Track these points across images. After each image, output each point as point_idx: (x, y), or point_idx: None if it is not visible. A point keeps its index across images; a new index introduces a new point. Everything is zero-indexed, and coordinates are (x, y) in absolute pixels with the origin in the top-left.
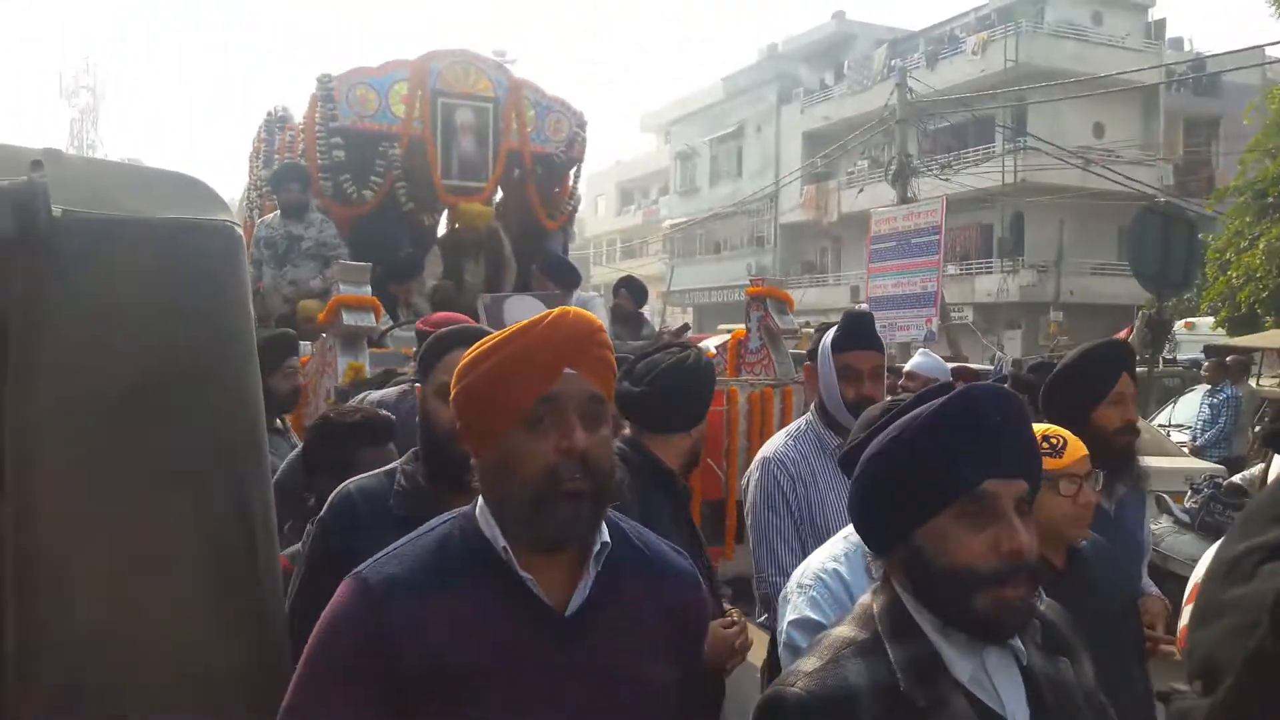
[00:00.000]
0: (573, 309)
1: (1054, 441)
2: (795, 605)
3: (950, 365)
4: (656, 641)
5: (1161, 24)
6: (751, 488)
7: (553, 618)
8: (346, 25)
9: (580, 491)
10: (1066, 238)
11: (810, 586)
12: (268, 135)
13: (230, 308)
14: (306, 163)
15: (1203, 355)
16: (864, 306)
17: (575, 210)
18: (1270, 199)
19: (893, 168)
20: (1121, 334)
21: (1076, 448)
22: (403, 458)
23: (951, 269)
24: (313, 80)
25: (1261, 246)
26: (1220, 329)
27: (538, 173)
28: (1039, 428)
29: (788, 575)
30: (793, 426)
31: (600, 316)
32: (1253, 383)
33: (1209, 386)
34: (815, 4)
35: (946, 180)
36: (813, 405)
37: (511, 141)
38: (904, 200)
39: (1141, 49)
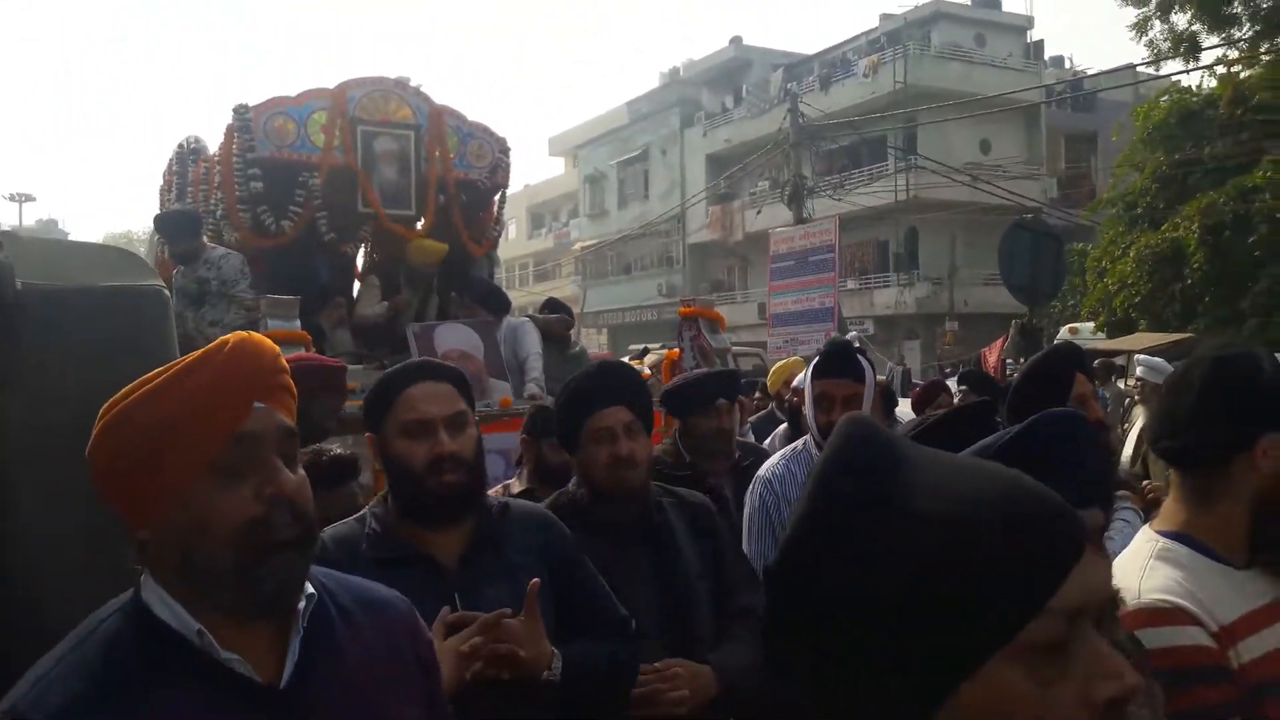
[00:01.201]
0: (249, 334)
1: None
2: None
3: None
4: (390, 685)
5: (1040, 44)
6: (746, 506)
7: (267, 696)
8: (256, 56)
9: (293, 541)
10: (958, 251)
11: None
12: (179, 167)
13: (158, 351)
14: (223, 194)
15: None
16: (854, 335)
17: (500, 236)
18: (1139, 210)
19: (788, 189)
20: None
21: None
22: (371, 502)
23: (851, 284)
24: (226, 111)
25: (1132, 255)
26: (1100, 333)
27: (462, 199)
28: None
29: None
30: (791, 446)
31: (533, 341)
32: (1120, 383)
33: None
34: (714, 30)
35: (839, 200)
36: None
37: (435, 168)
38: (800, 220)
39: (1022, 69)
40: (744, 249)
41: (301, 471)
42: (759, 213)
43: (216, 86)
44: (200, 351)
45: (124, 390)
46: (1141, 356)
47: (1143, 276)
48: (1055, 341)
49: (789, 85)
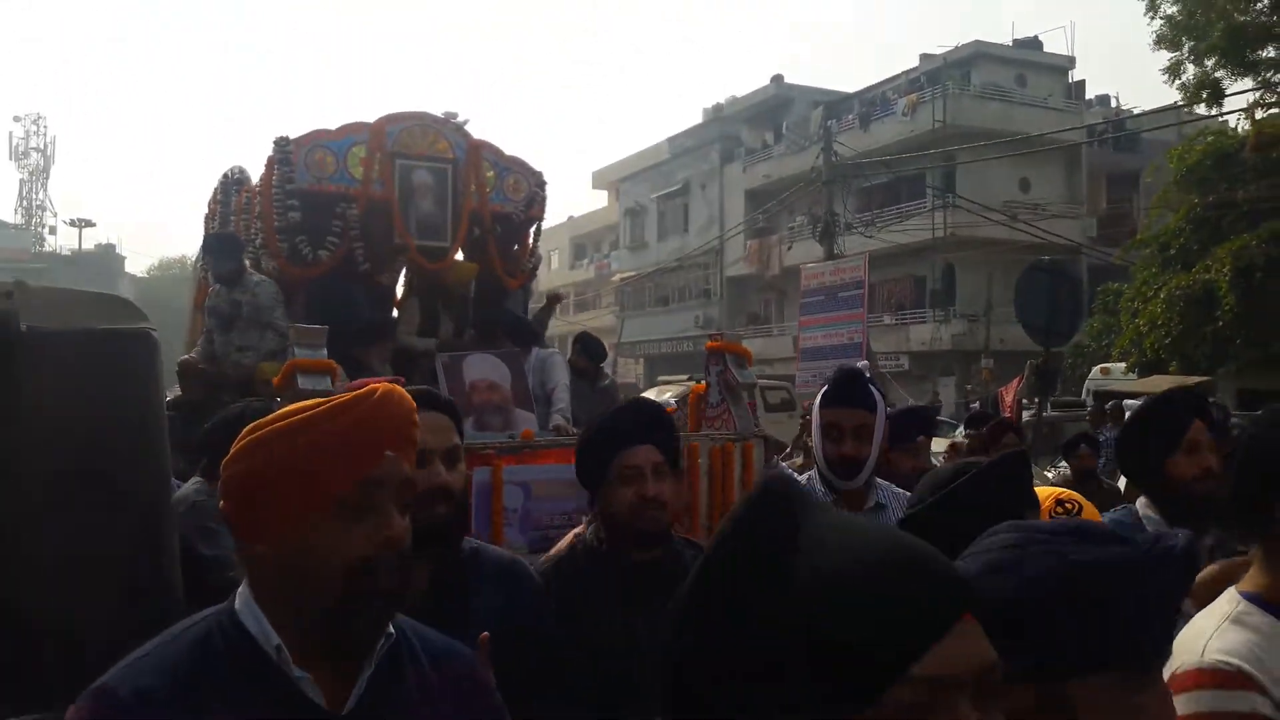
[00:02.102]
0: (394, 386)
1: (1069, 507)
2: None
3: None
4: None
5: (1081, 84)
6: None
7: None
8: (303, 88)
9: (391, 590)
10: (995, 289)
11: None
12: (223, 196)
13: (146, 386)
14: (262, 223)
15: (1090, 400)
16: (864, 364)
17: (535, 269)
18: (1173, 251)
19: (820, 226)
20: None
21: (1091, 513)
22: None
23: (887, 319)
24: (269, 143)
25: (1163, 296)
26: (1131, 373)
27: (497, 231)
28: (1051, 491)
29: None
30: (801, 478)
31: (561, 372)
32: None
33: (1091, 429)
34: (756, 67)
35: (871, 237)
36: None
37: (471, 201)
38: (830, 256)
39: (1064, 108)
40: (780, 283)
41: (408, 521)
42: (790, 248)
43: (264, 117)
44: (350, 395)
45: (272, 415)
46: (1130, 402)
47: (1174, 318)
48: (1086, 381)
49: (828, 123)
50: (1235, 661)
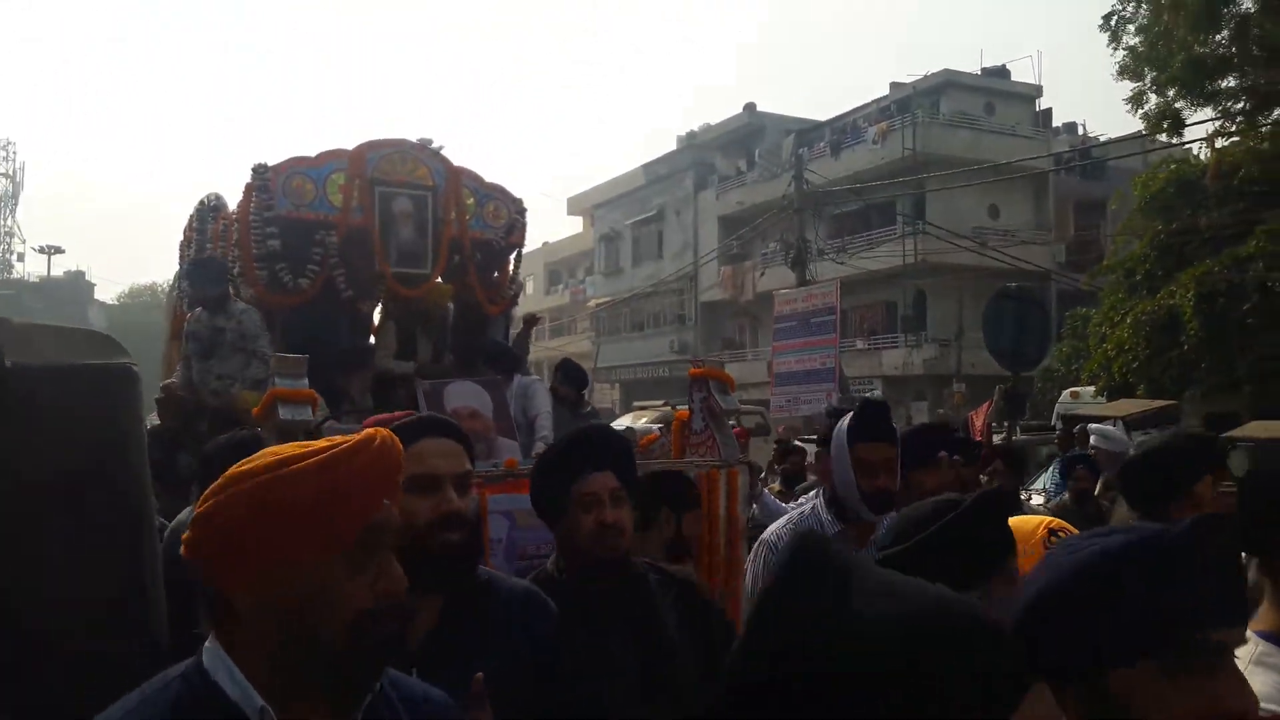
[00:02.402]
0: (390, 432)
1: (1061, 536)
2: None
3: None
4: None
5: (1049, 113)
6: (748, 572)
7: None
8: (276, 115)
9: (391, 638)
10: (966, 314)
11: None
12: (199, 224)
13: (128, 421)
14: (240, 251)
15: (1059, 424)
16: (876, 394)
17: (516, 296)
18: (1138, 277)
19: (791, 253)
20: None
21: None
22: None
23: (859, 344)
24: (247, 169)
25: (1129, 321)
26: (1100, 397)
27: (477, 258)
28: (1042, 520)
29: None
30: (798, 511)
31: (543, 400)
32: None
33: (1060, 453)
34: (729, 96)
35: (843, 264)
36: (822, 491)
37: (451, 228)
38: (803, 282)
39: (1032, 136)
40: (754, 308)
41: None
42: (763, 274)
43: (239, 143)
44: (349, 442)
45: (258, 464)
46: (1094, 426)
47: (1140, 342)
48: (1056, 405)
49: (800, 151)
50: (1270, 708)
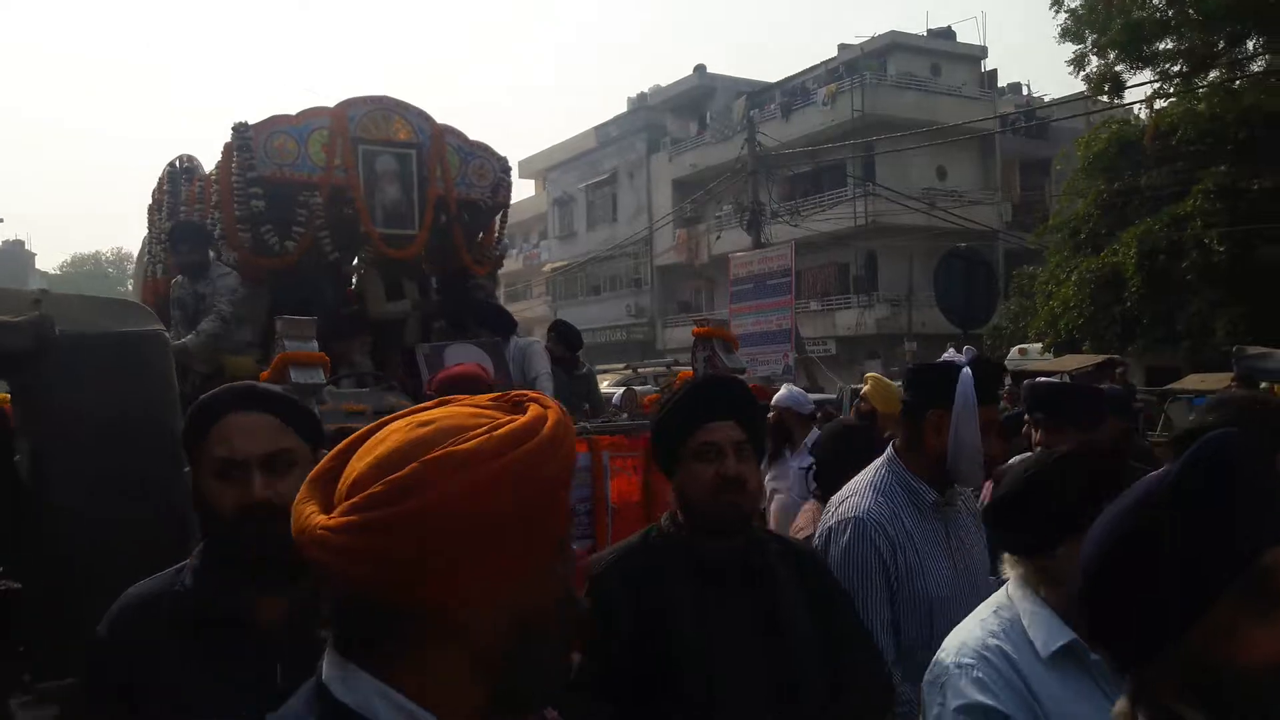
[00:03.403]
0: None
1: None
2: (958, 689)
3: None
4: None
5: (994, 74)
6: (840, 555)
7: None
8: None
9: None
10: (916, 274)
11: (973, 666)
12: (171, 187)
13: (164, 383)
14: (222, 213)
15: (1008, 380)
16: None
17: (502, 257)
18: (1082, 236)
19: (746, 216)
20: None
21: None
22: (194, 552)
23: (814, 305)
24: (198, 132)
25: (1074, 279)
26: (1048, 354)
27: (464, 219)
28: None
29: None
30: (872, 479)
31: (543, 361)
32: None
33: (1008, 408)
34: (679, 57)
35: (797, 226)
36: (893, 452)
37: (436, 188)
38: (758, 245)
39: (977, 97)
40: (710, 271)
41: None
42: (718, 237)
43: (184, 108)
44: (551, 420)
45: (478, 443)
46: (1041, 380)
47: (1085, 299)
48: (1006, 361)
49: (751, 113)
50: None
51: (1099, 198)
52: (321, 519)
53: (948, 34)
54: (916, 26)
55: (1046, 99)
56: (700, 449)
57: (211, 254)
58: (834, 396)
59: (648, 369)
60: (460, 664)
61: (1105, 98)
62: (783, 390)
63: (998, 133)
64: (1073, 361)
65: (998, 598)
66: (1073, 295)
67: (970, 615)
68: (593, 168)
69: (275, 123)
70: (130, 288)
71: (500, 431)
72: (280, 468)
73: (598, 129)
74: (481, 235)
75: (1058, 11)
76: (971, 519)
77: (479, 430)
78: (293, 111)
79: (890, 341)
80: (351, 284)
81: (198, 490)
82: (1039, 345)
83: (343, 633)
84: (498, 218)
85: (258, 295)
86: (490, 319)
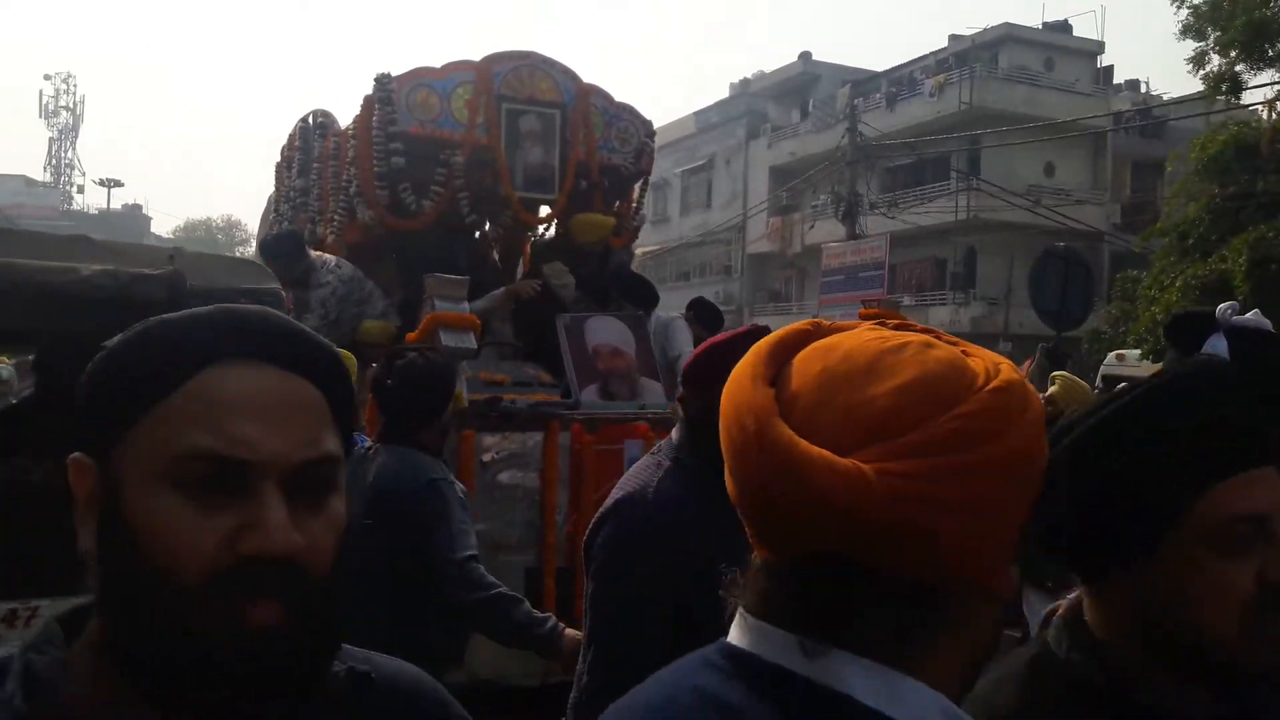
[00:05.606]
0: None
1: None
2: None
3: None
4: None
5: (1110, 70)
6: None
7: None
8: (340, 49)
9: None
10: (1016, 272)
11: None
12: (303, 143)
13: None
14: (358, 170)
15: (1100, 384)
16: None
17: (639, 228)
18: (1191, 241)
19: (842, 206)
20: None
21: None
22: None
23: (907, 300)
24: (307, 105)
25: (1179, 284)
26: (1146, 360)
27: (604, 184)
28: None
29: None
30: None
31: (685, 339)
32: None
33: None
34: (784, 44)
35: (893, 219)
36: None
37: (579, 151)
38: (852, 236)
39: (1090, 93)
40: (802, 261)
41: None
42: (812, 226)
43: (296, 79)
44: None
45: (1002, 394)
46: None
47: (1189, 306)
48: (1102, 366)
49: (854, 102)
50: None
51: (1210, 202)
52: (867, 461)
53: (1064, 27)
54: (1031, 19)
55: (1165, 97)
56: (1227, 529)
57: (313, 255)
58: None
59: None
60: (957, 665)
61: (1223, 98)
62: None
63: (1109, 130)
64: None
65: None
66: (1176, 302)
67: None
68: (690, 153)
69: (418, 75)
70: (245, 253)
71: (1016, 376)
72: (317, 490)
73: (697, 114)
74: (619, 203)
75: (1179, 7)
76: None
77: (990, 367)
78: (437, 65)
79: (985, 341)
80: (492, 248)
81: (109, 503)
82: (1138, 352)
83: (863, 624)
84: (638, 185)
85: (382, 265)
86: (633, 290)
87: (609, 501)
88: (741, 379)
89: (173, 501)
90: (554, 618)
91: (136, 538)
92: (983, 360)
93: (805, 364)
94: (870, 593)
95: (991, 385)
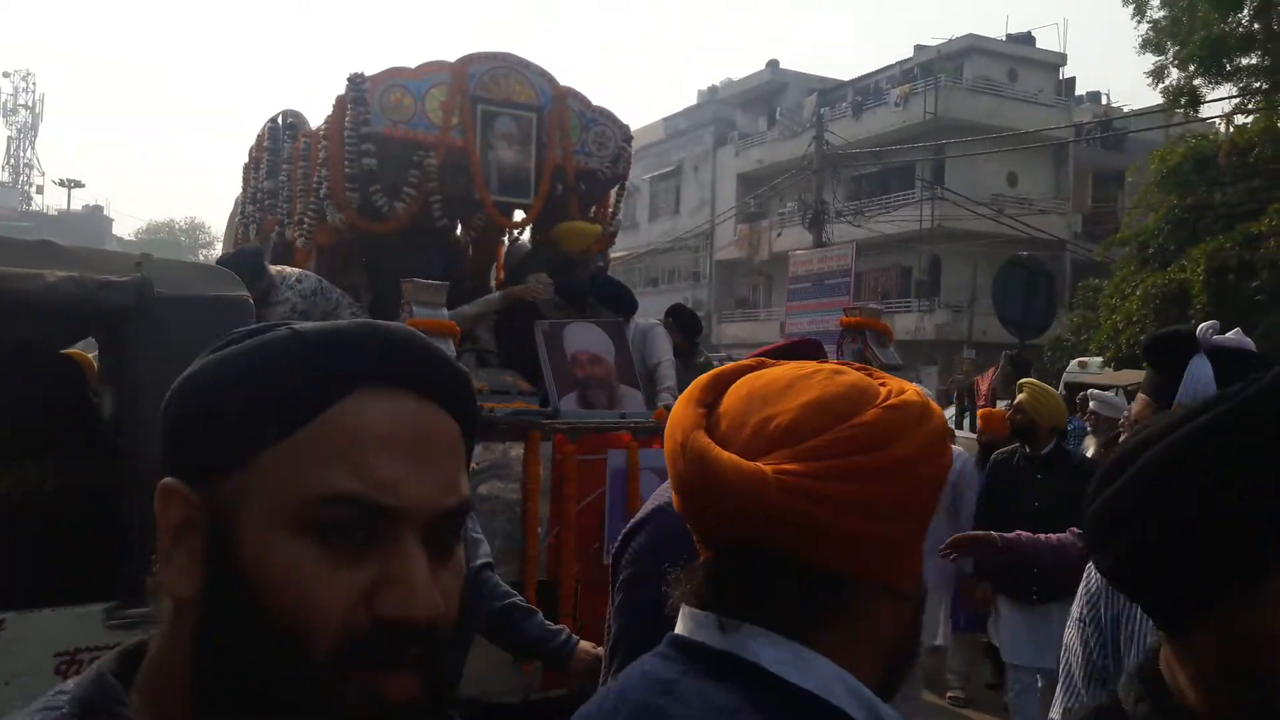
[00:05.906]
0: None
1: None
2: None
3: None
4: None
5: (1072, 81)
6: None
7: None
8: (305, 49)
9: None
10: (980, 280)
11: None
12: (272, 143)
13: None
14: (329, 171)
15: (1063, 391)
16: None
17: (615, 234)
18: (1150, 250)
19: (809, 214)
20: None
21: None
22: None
23: (872, 306)
24: (275, 107)
25: (1139, 293)
26: (1108, 367)
27: (581, 189)
28: None
29: None
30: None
31: (665, 347)
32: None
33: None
34: (752, 52)
35: (859, 226)
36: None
37: (555, 155)
38: (819, 244)
39: (1053, 104)
40: (769, 268)
41: None
42: (779, 234)
43: (264, 80)
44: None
45: (909, 408)
46: (1094, 391)
47: (1149, 315)
48: (1065, 373)
49: (821, 110)
50: None
51: (1170, 212)
52: (769, 464)
53: (1027, 39)
54: (996, 30)
55: (1125, 110)
56: None
57: (274, 271)
58: None
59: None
60: (864, 654)
61: (1181, 111)
62: None
63: (1072, 141)
64: (1131, 376)
65: None
66: (1136, 310)
67: None
68: (659, 159)
69: (392, 75)
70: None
71: (918, 398)
72: (449, 539)
73: (666, 121)
74: (596, 208)
75: (1140, 21)
76: None
77: (894, 389)
78: (411, 65)
79: (949, 348)
80: (468, 253)
81: (221, 552)
82: (1099, 359)
83: (773, 605)
84: (614, 190)
85: (352, 268)
86: (612, 297)
87: (642, 511)
88: (680, 401)
89: (303, 550)
90: (567, 630)
91: (256, 588)
92: (890, 385)
93: (737, 389)
94: (780, 579)
95: (889, 402)
